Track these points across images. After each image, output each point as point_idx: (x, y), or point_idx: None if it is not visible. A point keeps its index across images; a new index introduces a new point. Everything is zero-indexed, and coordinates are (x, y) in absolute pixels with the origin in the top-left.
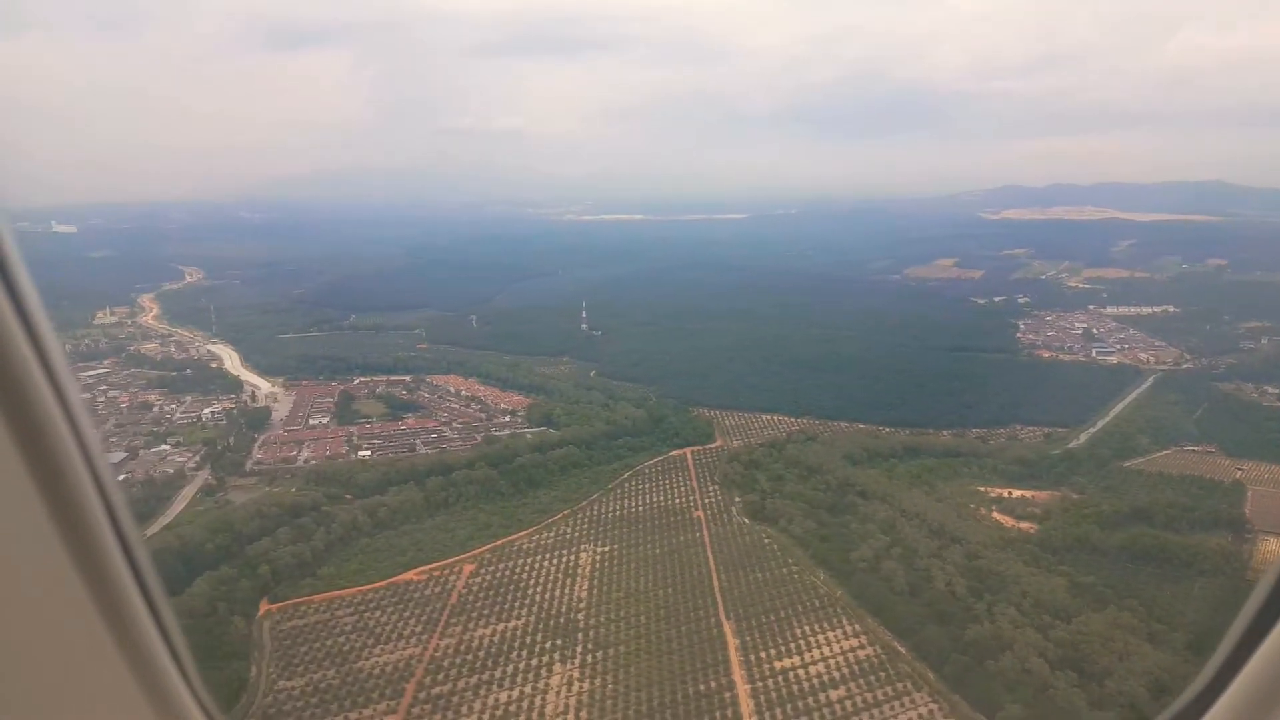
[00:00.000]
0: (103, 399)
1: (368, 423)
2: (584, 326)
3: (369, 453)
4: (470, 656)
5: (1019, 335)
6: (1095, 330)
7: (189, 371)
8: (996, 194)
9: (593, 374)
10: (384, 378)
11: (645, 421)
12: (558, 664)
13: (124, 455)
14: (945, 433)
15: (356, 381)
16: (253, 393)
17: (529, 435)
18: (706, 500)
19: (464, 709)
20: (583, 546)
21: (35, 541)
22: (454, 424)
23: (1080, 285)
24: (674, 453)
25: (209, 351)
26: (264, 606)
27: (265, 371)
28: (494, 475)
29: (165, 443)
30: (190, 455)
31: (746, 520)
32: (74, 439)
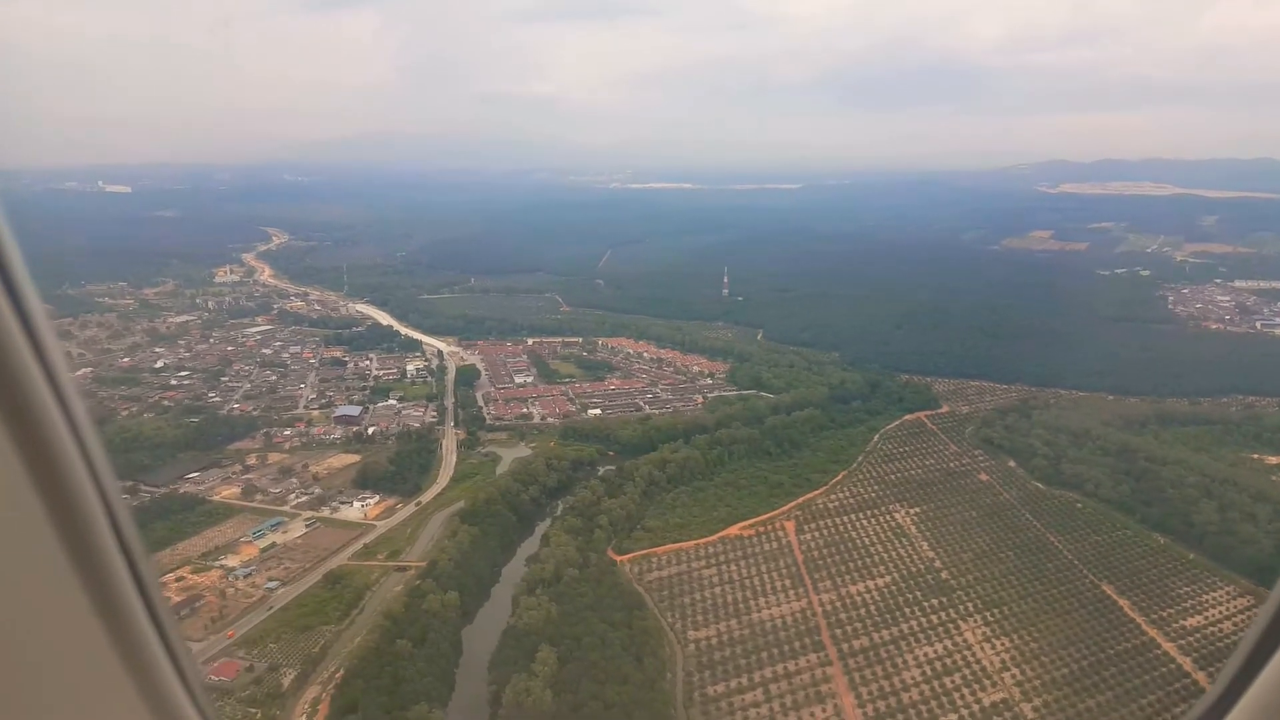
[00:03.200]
0: (287, 355)
1: (571, 382)
2: (725, 292)
3: (599, 411)
4: (862, 611)
5: (1170, 307)
6: (1246, 303)
7: (358, 329)
8: (1045, 169)
9: (759, 337)
10: (556, 339)
11: (863, 386)
12: (960, 620)
13: (359, 409)
14: (1173, 400)
15: (530, 342)
16: (439, 351)
17: (759, 397)
18: (980, 464)
19: (898, 661)
20: (891, 507)
21: (33, 541)
22: (660, 385)
23: (1188, 260)
24: (908, 417)
25: (358, 311)
26: (612, 557)
27: (429, 331)
28: (755, 435)
29: (389, 397)
30: (423, 409)
31: (1040, 485)
32: (72, 436)
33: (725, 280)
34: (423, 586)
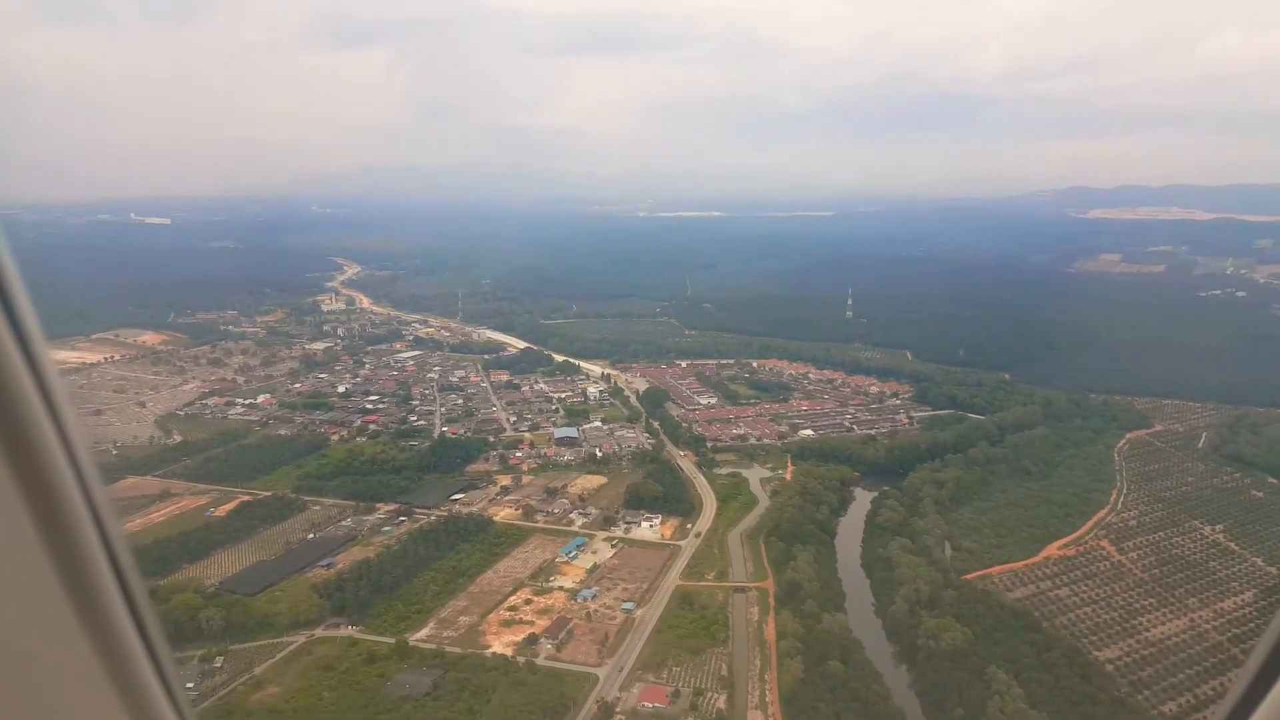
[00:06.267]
0: (454, 378)
1: (754, 403)
2: (848, 314)
3: (810, 431)
4: (1253, 626)
5: None
6: None
7: (506, 354)
8: (1067, 195)
9: (909, 357)
10: (709, 361)
11: (1068, 405)
12: None
13: (574, 433)
14: None
15: (684, 364)
16: (603, 374)
17: (967, 417)
18: (1240, 480)
19: None
20: (1191, 524)
21: (13, 540)
22: (852, 405)
23: (1271, 281)
24: (1130, 435)
25: (490, 337)
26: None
27: (576, 355)
28: (1009, 454)
29: (589, 419)
30: (634, 431)
31: None
32: (57, 434)
33: (849, 303)
34: (804, 608)
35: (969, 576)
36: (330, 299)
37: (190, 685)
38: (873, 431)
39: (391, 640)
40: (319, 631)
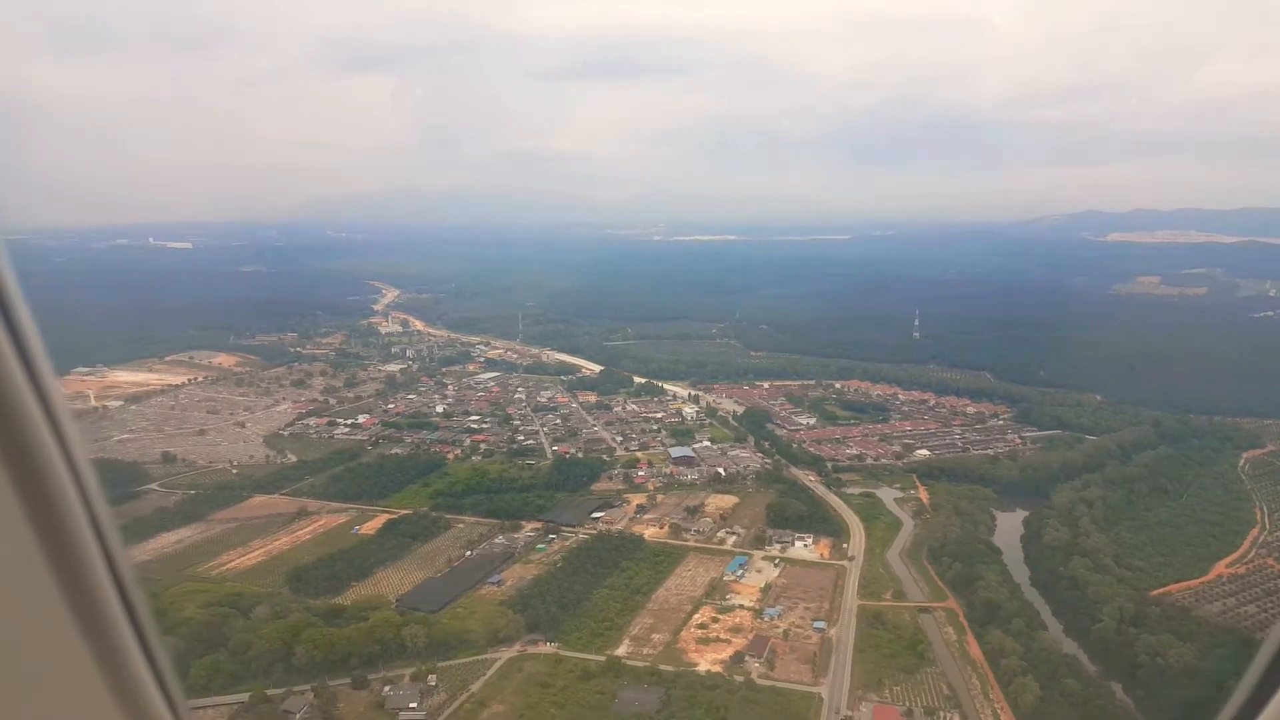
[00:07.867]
0: (542, 397)
1: (853, 424)
2: (916, 335)
3: (926, 451)
4: None
5: None
6: None
7: (587, 374)
8: (1081, 219)
9: (989, 377)
10: (791, 382)
11: (1176, 425)
12: None
13: (689, 452)
14: None
15: (766, 385)
16: (689, 395)
17: (1083, 438)
18: None
19: None
20: None
21: (11, 542)
22: (955, 425)
23: None
24: (1247, 454)
25: (558, 359)
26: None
27: (654, 376)
28: (1144, 474)
29: (694, 439)
30: (747, 451)
31: None
32: (55, 439)
33: (916, 324)
34: (1013, 626)
35: (1153, 593)
36: (385, 322)
37: (414, 705)
38: (988, 451)
39: (598, 657)
40: (520, 648)
